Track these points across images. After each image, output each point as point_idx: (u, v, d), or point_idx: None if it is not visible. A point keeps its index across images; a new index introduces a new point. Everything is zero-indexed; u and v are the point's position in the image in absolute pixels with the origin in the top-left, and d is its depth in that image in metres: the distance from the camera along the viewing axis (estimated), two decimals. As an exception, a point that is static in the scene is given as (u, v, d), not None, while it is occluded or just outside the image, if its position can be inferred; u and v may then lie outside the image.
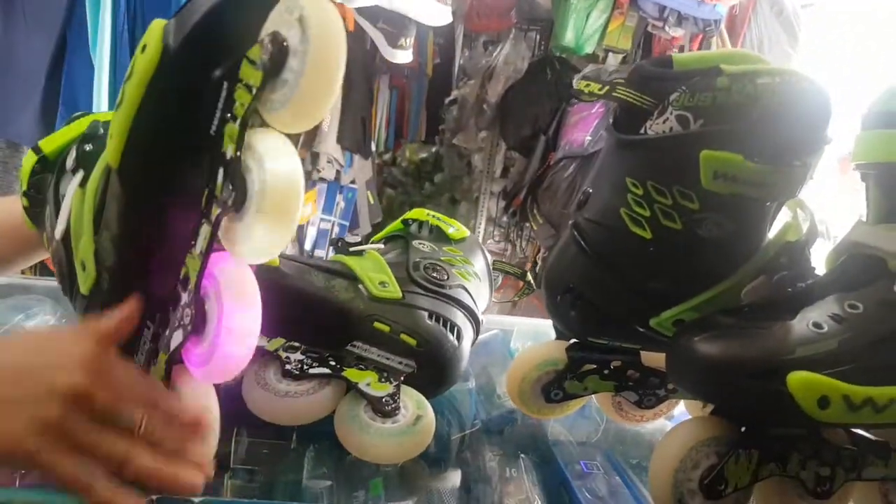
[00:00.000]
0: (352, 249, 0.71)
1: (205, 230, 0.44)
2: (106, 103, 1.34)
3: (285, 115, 0.41)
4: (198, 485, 0.44)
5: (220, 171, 0.43)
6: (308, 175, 2.27)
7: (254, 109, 0.42)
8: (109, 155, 0.45)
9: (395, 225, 0.81)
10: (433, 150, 3.38)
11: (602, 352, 0.66)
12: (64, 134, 0.60)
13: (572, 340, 0.67)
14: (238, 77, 0.41)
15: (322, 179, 2.30)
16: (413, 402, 0.63)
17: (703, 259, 0.58)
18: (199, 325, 0.46)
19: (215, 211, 0.43)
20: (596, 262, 0.60)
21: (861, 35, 2.36)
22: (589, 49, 2.20)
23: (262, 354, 0.63)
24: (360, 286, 0.65)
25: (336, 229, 2.44)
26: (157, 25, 0.42)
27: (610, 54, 2.25)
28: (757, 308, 0.57)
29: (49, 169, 0.59)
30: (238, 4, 0.42)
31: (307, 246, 2.39)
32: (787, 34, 2.27)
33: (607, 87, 0.59)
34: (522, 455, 0.71)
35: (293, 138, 0.45)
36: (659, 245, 0.57)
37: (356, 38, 2.25)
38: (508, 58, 2.41)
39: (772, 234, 0.60)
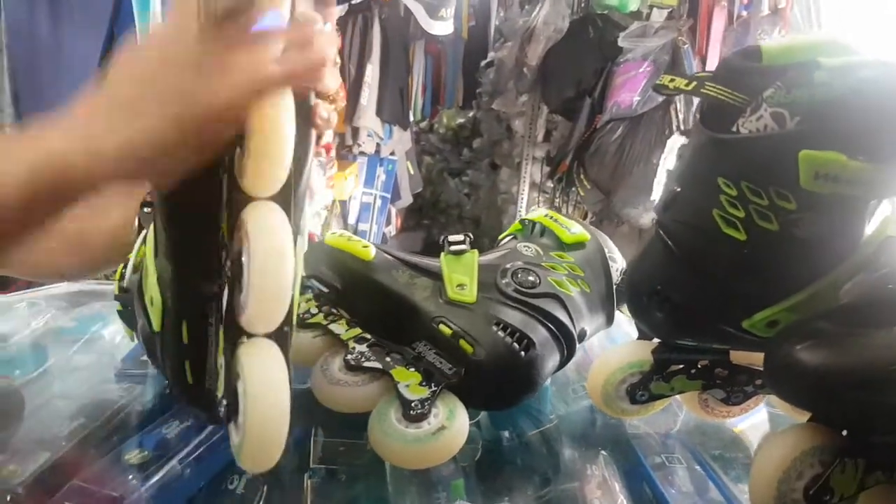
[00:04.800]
0: (452, 248, 0.69)
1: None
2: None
3: None
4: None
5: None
6: (349, 150, 2.27)
7: None
8: None
9: (515, 226, 0.78)
10: (470, 115, 3.33)
11: (689, 352, 0.65)
12: None
13: (656, 341, 0.66)
14: None
15: (362, 153, 2.30)
16: (446, 412, 0.59)
17: (799, 259, 0.56)
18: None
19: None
20: (685, 265, 0.59)
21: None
22: (633, 6, 2.12)
23: (337, 342, 0.66)
24: (441, 287, 0.65)
25: (378, 202, 2.44)
26: None
27: (655, 10, 2.16)
28: (857, 309, 0.54)
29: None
30: None
31: (350, 220, 2.39)
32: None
33: (694, 84, 0.56)
34: (603, 451, 0.70)
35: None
36: (754, 246, 0.55)
37: (392, 7, 2.21)
38: (548, 17, 2.34)
39: (870, 229, 0.57)
